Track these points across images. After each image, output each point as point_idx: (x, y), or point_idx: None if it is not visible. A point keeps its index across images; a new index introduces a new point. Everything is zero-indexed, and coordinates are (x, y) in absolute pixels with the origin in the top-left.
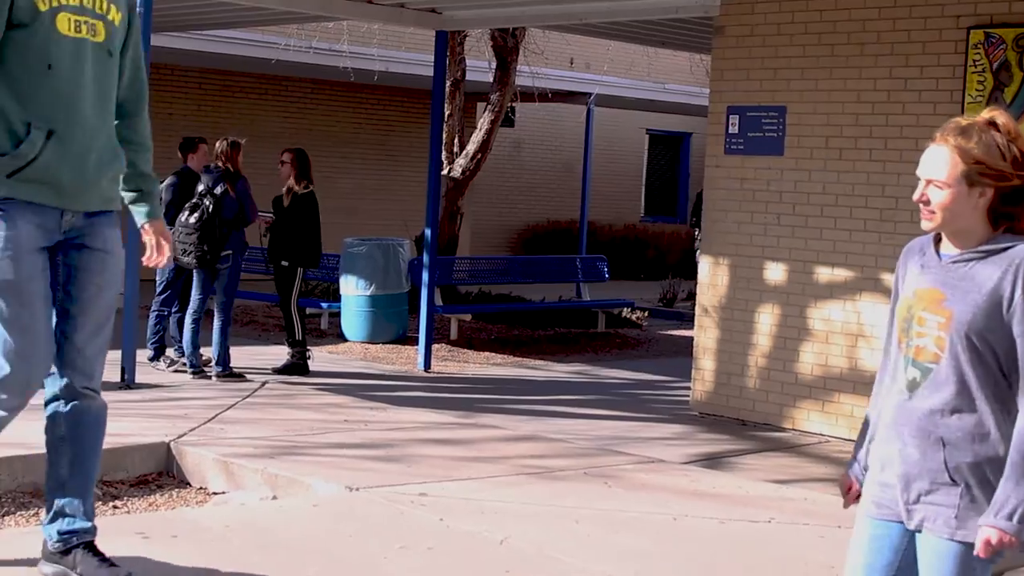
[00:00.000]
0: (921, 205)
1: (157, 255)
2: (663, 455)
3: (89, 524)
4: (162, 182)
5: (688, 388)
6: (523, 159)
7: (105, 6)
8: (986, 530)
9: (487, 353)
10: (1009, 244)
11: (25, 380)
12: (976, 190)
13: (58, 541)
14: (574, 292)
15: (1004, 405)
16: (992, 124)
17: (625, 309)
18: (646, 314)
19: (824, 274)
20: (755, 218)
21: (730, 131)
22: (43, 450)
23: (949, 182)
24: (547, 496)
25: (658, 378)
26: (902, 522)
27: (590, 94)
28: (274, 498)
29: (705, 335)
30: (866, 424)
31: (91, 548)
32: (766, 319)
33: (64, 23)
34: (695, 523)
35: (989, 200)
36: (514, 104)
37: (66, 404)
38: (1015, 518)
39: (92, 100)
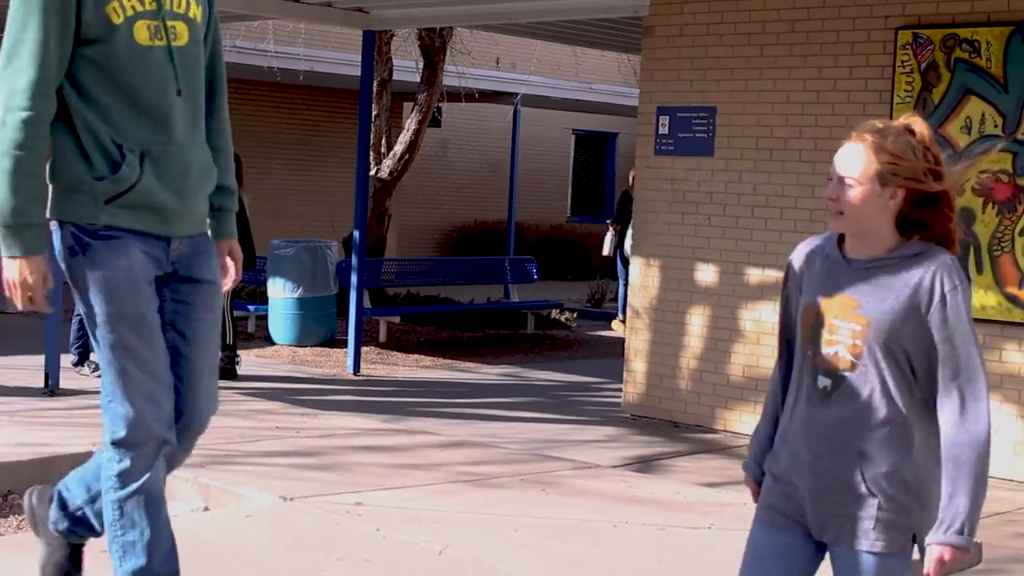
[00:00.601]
0: (830, 203)
1: (232, 278)
2: (598, 459)
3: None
4: None
5: (619, 390)
6: (450, 159)
7: (184, 3)
8: (937, 548)
9: (416, 356)
10: (923, 249)
11: (155, 424)
12: (888, 191)
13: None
14: (502, 293)
15: (923, 413)
16: (909, 130)
17: (554, 310)
18: (575, 315)
19: (755, 275)
20: (685, 219)
21: (660, 132)
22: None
23: (861, 180)
24: (484, 504)
25: (589, 379)
26: (805, 531)
27: (517, 94)
28: (205, 509)
29: (636, 337)
30: (763, 426)
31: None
32: (697, 320)
33: (143, 32)
34: (635, 530)
35: (899, 203)
36: (441, 104)
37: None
38: (965, 532)
39: (182, 113)
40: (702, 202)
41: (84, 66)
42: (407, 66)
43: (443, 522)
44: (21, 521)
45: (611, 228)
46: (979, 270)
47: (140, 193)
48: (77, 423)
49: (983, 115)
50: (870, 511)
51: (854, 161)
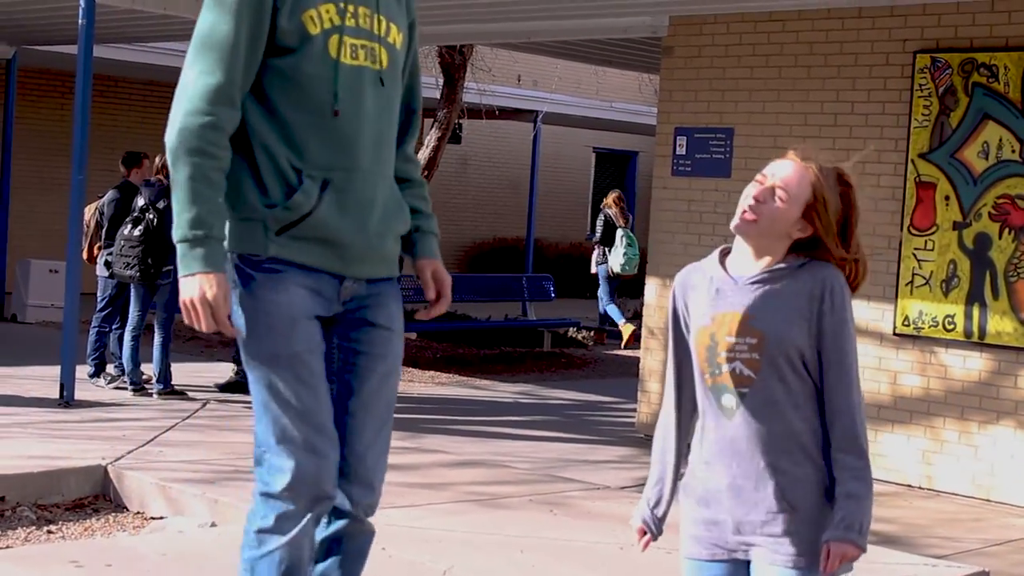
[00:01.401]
0: (753, 202)
1: (437, 304)
2: (608, 479)
3: None
4: (101, 197)
5: (633, 409)
6: (470, 176)
7: (385, 27)
8: (833, 545)
9: (432, 372)
10: (804, 261)
11: (315, 479)
12: (802, 222)
13: None
14: (520, 310)
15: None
16: (842, 180)
17: (571, 328)
18: (592, 333)
19: None
20: (702, 240)
21: (677, 152)
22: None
23: (791, 200)
24: (492, 524)
25: (604, 399)
26: (732, 560)
27: (538, 112)
28: (213, 525)
29: (651, 357)
30: (659, 463)
31: None
32: None
33: (338, 47)
34: (642, 553)
35: (802, 237)
36: (461, 121)
37: (329, 523)
38: (859, 530)
39: (372, 142)
40: (719, 223)
41: (272, 78)
42: (427, 83)
43: (450, 541)
44: (29, 533)
45: (596, 247)
46: (995, 296)
47: (315, 224)
48: (90, 436)
49: (1000, 140)
50: (791, 527)
51: (794, 179)
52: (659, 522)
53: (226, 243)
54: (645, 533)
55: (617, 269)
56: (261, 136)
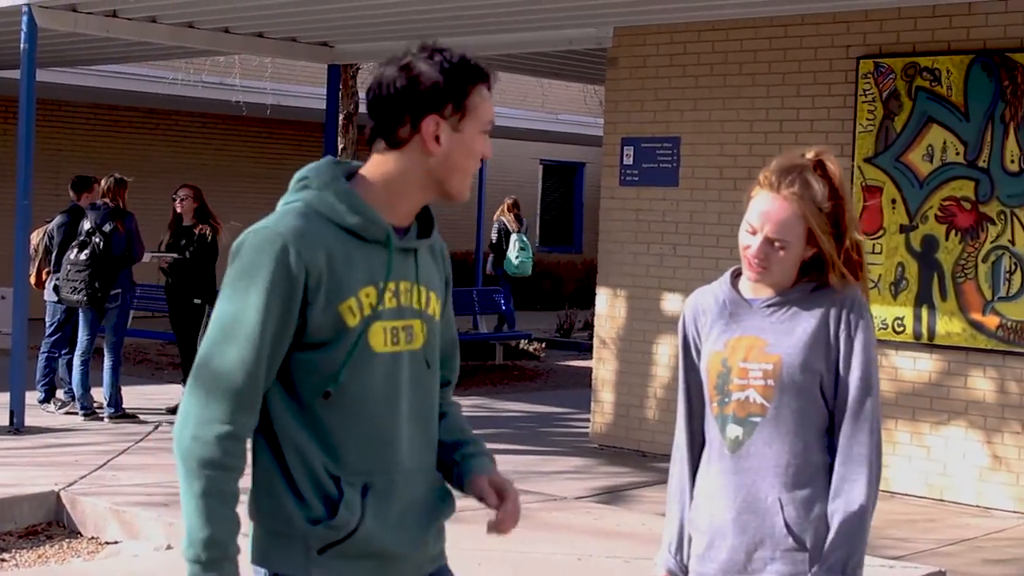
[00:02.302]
0: (756, 260)
1: (507, 521)
2: (565, 490)
3: None
4: (49, 222)
5: (587, 420)
6: None
7: (425, 297)
8: None
9: None
10: (822, 283)
11: None
12: (809, 246)
13: None
14: (471, 324)
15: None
16: (821, 166)
17: (523, 340)
18: (543, 345)
19: None
20: (651, 249)
21: (625, 162)
22: None
23: (793, 241)
24: (448, 539)
25: (557, 410)
26: None
27: None
28: (169, 547)
29: (604, 367)
30: (676, 502)
31: None
32: (664, 350)
33: (379, 337)
34: (600, 563)
35: (810, 255)
36: None
37: None
38: (847, 571)
39: (411, 431)
40: (667, 232)
41: (302, 374)
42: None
43: None
44: None
45: (490, 251)
46: (943, 297)
47: (361, 540)
48: (41, 462)
49: (945, 143)
50: (800, 567)
51: (785, 227)
52: (685, 569)
53: (258, 562)
54: None
55: (511, 271)
56: (291, 435)
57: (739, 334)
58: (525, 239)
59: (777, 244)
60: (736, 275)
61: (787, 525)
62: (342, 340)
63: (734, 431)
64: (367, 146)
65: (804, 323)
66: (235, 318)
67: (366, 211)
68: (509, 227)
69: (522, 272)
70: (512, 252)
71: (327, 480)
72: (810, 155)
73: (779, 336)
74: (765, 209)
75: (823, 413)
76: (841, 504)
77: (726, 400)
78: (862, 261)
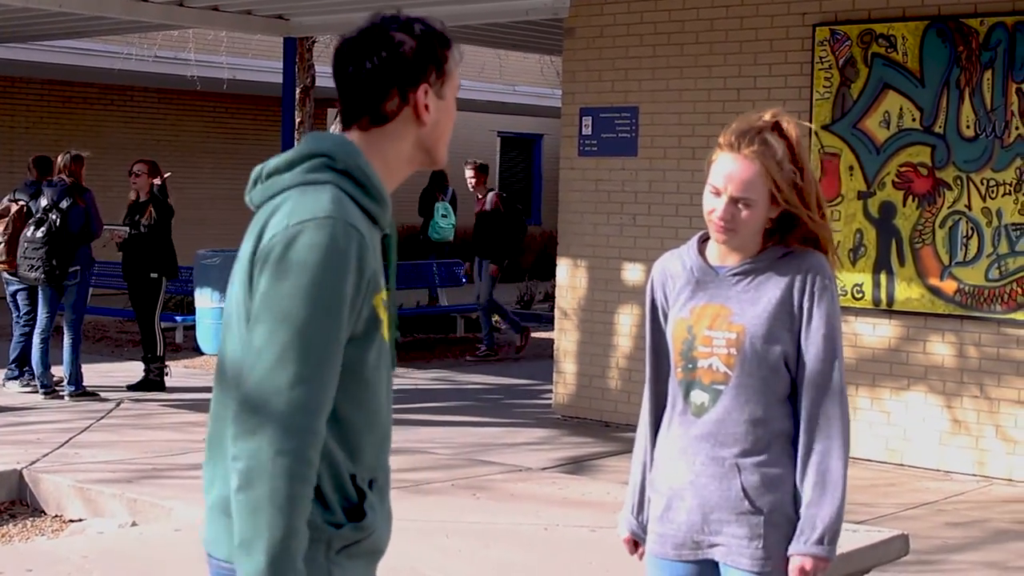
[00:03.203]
0: (721, 223)
1: None
2: (529, 461)
3: None
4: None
5: (550, 391)
6: None
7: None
8: (798, 559)
9: None
10: (787, 251)
11: None
12: (774, 206)
13: None
14: (430, 297)
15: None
16: (778, 128)
17: None
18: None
19: None
20: (611, 219)
21: (583, 133)
22: None
23: (758, 200)
24: (415, 510)
25: (519, 382)
26: (699, 561)
27: None
28: (134, 524)
29: (565, 338)
30: (639, 463)
31: None
32: (626, 320)
33: (386, 329)
34: (567, 532)
35: (774, 217)
36: None
37: None
38: (825, 541)
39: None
40: (627, 202)
41: None
42: (330, 72)
43: None
44: None
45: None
46: (901, 263)
47: (375, 539)
48: (2, 440)
49: (901, 109)
50: (756, 530)
51: (749, 185)
52: (646, 530)
53: None
54: (636, 544)
55: (436, 237)
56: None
57: (705, 302)
58: (449, 206)
59: (742, 204)
60: (703, 241)
61: (743, 489)
62: (374, 335)
63: (700, 397)
64: (344, 125)
65: (769, 293)
66: (310, 323)
67: (385, 196)
68: (434, 194)
69: (444, 238)
70: (435, 220)
71: (347, 481)
72: (767, 116)
73: (744, 306)
74: (728, 170)
75: (786, 381)
76: (813, 476)
77: (691, 366)
78: (818, 229)
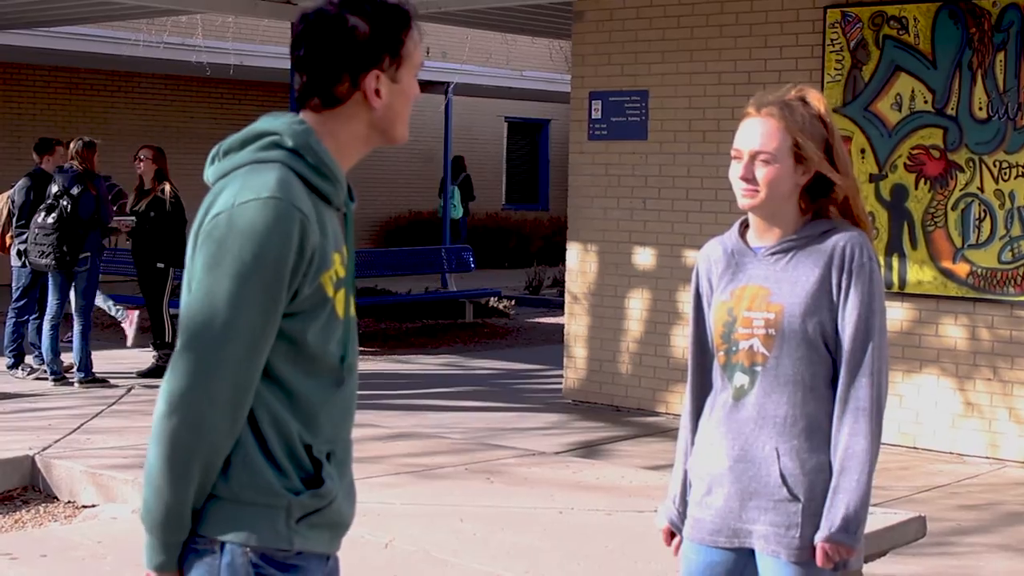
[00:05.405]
0: (743, 183)
1: None
2: (541, 446)
3: None
4: (13, 186)
5: (560, 376)
6: (382, 150)
7: (352, 263)
8: (824, 545)
9: None
10: (827, 228)
11: None
12: (800, 168)
13: None
14: (440, 283)
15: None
16: (803, 100)
17: (492, 298)
18: (513, 303)
19: (691, 257)
20: (621, 203)
21: (593, 117)
22: None
23: (777, 155)
24: (430, 495)
25: (529, 367)
26: (737, 548)
27: (448, 83)
28: None
29: (576, 322)
30: (682, 452)
31: None
32: (636, 304)
33: (341, 304)
34: (582, 516)
35: (807, 181)
36: None
37: None
38: (850, 528)
39: (354, 397)
40: (637, 186)
41: (278, 343)
42: None
43: (388, 515)
44: None
45: None
46: (914, 246)
47: (334, 509)
48: (14, 427)
49: (913, 91)
50: (794, 518)
51: (767, 136)
52: (685, 519)
53: (232, 536)
54: (672, 535)
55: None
56: (268, 407)
57: (744, 283)
58: (455, 189)
59: (760, 160)
60: (745, 225)
61: (782, 475)
62: (320, 310)
63: (740, 379)
64: (298, 105)
65: (807, 272)
66: (238, 303)
67: (338, 175)
68: None
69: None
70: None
71: (301, 449)
72: (793, 92)
73: (782, 285)
74: (747, 131)
75: (827, 363)
76: (841, 459)
77: (732, 349)
78: (854, 205)
